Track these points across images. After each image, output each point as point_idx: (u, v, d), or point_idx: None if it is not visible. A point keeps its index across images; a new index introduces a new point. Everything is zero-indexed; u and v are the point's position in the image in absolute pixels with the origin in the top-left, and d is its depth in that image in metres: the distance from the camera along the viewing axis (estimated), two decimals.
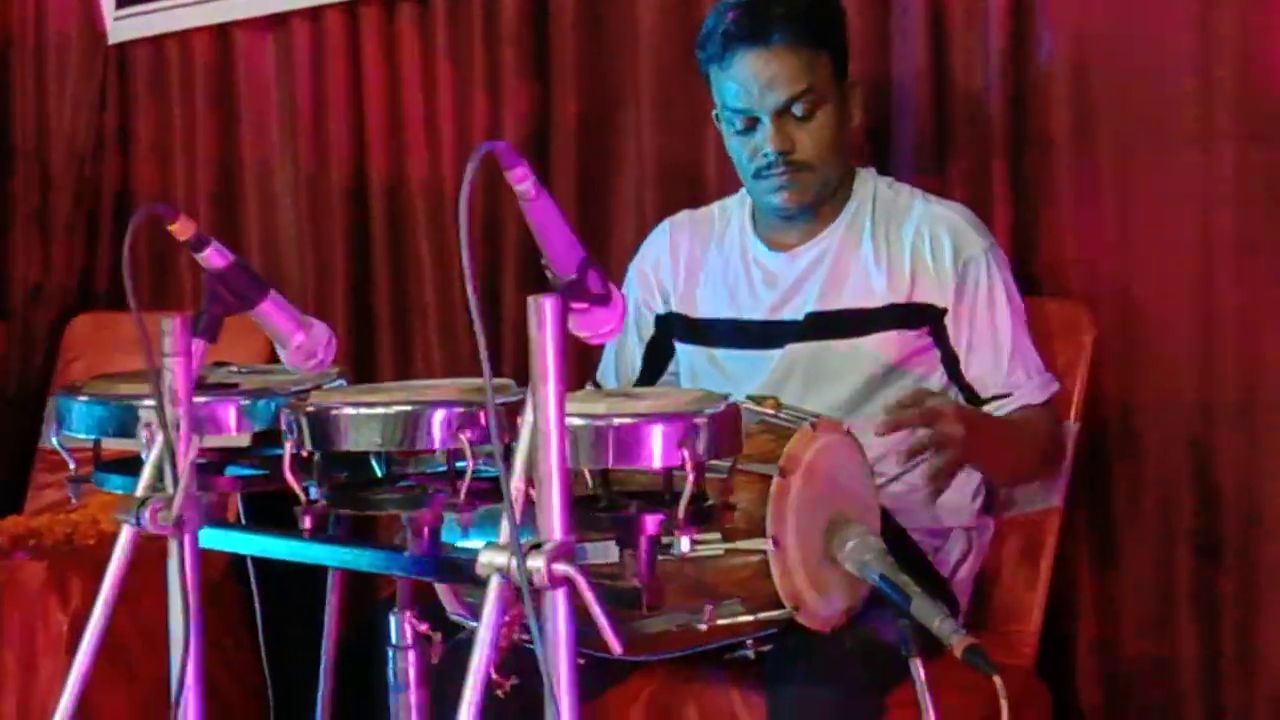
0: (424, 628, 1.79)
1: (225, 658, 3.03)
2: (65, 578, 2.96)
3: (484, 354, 1.40)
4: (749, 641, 1.96)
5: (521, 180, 1.46)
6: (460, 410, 1.63)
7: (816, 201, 2.46)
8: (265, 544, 1.79)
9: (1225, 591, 2.55)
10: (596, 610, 1.41)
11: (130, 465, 1.88)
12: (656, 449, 1.53)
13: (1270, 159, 2.48)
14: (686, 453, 1.52)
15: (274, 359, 2.98)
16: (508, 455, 1.45)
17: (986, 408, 2.40)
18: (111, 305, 3.95)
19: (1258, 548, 2.52)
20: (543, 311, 1.42)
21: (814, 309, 2.46)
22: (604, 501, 1.65)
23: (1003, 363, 2.39)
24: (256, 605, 2.12)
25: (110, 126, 3.96)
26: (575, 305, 1.54)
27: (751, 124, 2.42)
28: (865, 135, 2.56)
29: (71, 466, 1.92)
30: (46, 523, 3.30)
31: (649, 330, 2.62)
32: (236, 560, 2.14)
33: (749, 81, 2.40)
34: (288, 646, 2.40)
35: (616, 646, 1.42)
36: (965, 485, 2.42)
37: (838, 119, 2.42)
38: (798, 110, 2.39)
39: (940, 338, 2.42)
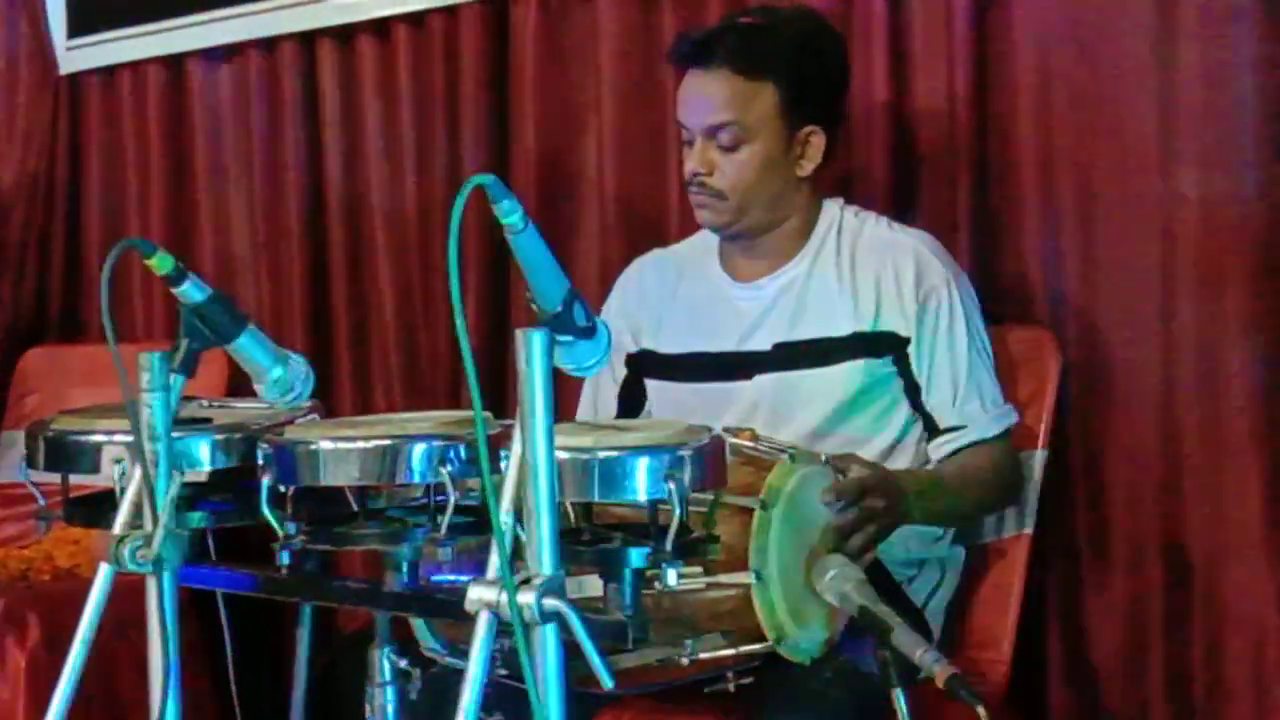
0: (403, 664, 1.77)
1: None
2: (22, 614, 2.93)
3: (475, 388, 1.39)
4: (729, 674, 1.94)
5: (510, 213, 1.46)
6: (441, 444, 1.62)
7: (744, 229, 2.47)
8: (243, 581, 1.77)
9: (1194, 615, 2.56)
10: (588, 645, 1.40)
11: (99, 501, 1.86)
12: (643, 481, 1.53)
13: (1232, 185, 2.50)
14: (673, 485, 1.52)
15: (232, 391, 3.02)
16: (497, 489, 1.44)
17: (940, 439, 2.41)
18: (64, 338, 3.92)
19: (1226, 570, 2.53)
20: (531, 345, 1.41)
21: (781, 339, 2.46)
22: (587, 534, 1.64)
23: (959, 394, 2.40)
24: (227, 640, 2.10)
25: (62, 156, 3.94)
26: (560, 338, 1.53)
27: (691, 139, 2.45)
28: (828, 171, 2.55)
29: (40, 502, 1.89)
30: (0, 558, 3.26)
31: (623, 371, 2.62)
32: (194, 595, 2.12)
33: (685, 99, 2.46)
34: (249, 679, 2.38)
35: (608, 681, 1.42)
36: None
37: (768, 158, 2.41)
38: (723, 139, 2.40)
39: (903, 367, 2.42)
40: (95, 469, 1.81)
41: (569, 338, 1.54)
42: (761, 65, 2.39)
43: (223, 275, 3.67)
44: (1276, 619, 2.49)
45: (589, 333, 1.55)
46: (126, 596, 1.70)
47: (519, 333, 1.42)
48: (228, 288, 3.59)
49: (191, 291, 1.67)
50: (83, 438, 1.82)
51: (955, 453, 2.40)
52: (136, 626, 1.67)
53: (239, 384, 2.73)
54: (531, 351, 1.41)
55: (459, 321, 1.38)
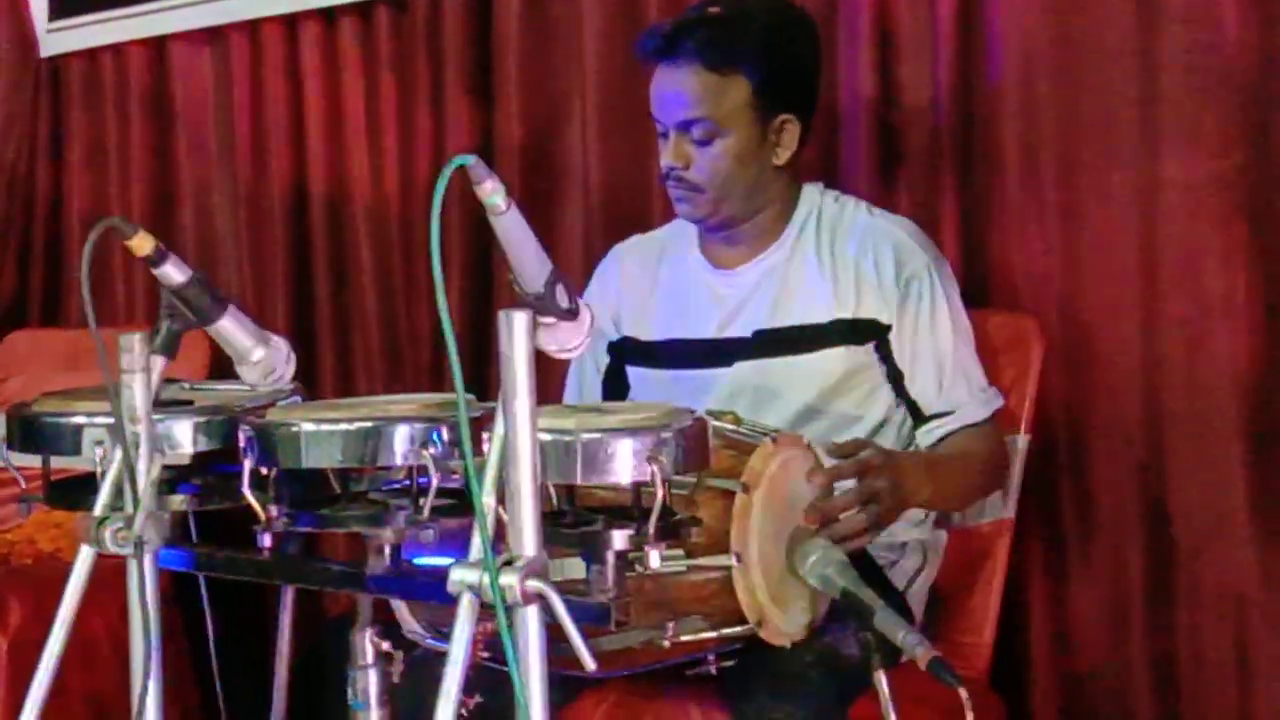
0: (386, 646, 1.77)
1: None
2: (4, 598, 2.92)
3: (456, 370, 1.38)
4: (710, 657, 1.95)
5: (492, 194, 1.45)
6: (424, 426, 1.62)
7: (723, 219, 2.46)
8: (224, 564, 1.76)
9: (1176, 599, 2.58)
10: (570, 627, 1.40)
11: (81, 484, 1.86)
12: (625, 464, 1.52)
13: (1213, 173, 2.51)
14: (655, 468, 1.52)
15: (214, 375, 3.02)
16: (479, 471, 1.43)
17: (928, 425, 2.41)
18: (46, 321, 3.91)
19: (1209, 552, 2.54)
20: (513, 326, 1.41)
21: (761, 326, 2.45)
22: (570, 517, 1.64)
23: (944, 380, 2.40)
24: (209, 624, 2.09)
25: (43, 140, 3.93)
26: (543, 320, 1.53)
27: (665, 132, 2.44)
28: (809, 161, 2.55)
29: (22, 485, 1.89)
30: None
31: (605, 359, 2.62)
32: (176, 578, 2.12)
33: (656, 94, 2.44)
34: (231, 661, 2.37)
35: (590, 663, 1.41)
36: None
37: (743, 150, 2.40)
38: (696, 133, 2.39)
39: (885, 354, 2.42)
40: (76, 451, 1.80)
41: (551, 319, 1.54)
42: (731, 58, 2.37)
43: (205, 258, 3.67)
44: (1259, 599, 2.51)
45: (572, 314, 1.55)
46: (107, 579, 1.70)
47: (501, 314, 1.41)
48: (209, 270, 3.58)
49: (172, 273, 1.67)
50: (63, 419, 1.81)
51: (944, 437, 2.40)
52: (118, 609, 1.67)
53: (220, 366, 2.72)
54: (514, 333, 1.41)
55: (440, 302, 1.38)
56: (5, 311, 3.93)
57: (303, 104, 3.52)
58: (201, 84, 3.70)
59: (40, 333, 3.85)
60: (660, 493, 1.51)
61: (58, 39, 3.88)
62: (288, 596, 1.99)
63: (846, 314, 2.41)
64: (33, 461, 1.90)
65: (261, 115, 3.58)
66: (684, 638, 1.85)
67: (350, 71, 3.45)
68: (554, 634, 1.43)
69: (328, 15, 3.47)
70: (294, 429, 1.64)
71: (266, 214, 3.57)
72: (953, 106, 2.72)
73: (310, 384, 3.41)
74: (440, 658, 1.46)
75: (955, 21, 2.71)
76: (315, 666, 2.16)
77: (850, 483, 2.02)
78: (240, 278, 3.62)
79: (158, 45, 3.75)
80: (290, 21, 3.52)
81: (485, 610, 1.43)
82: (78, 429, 1.79)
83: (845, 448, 2.06)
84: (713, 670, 1.97)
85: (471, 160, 1.42)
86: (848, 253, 2.43)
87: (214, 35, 3.66)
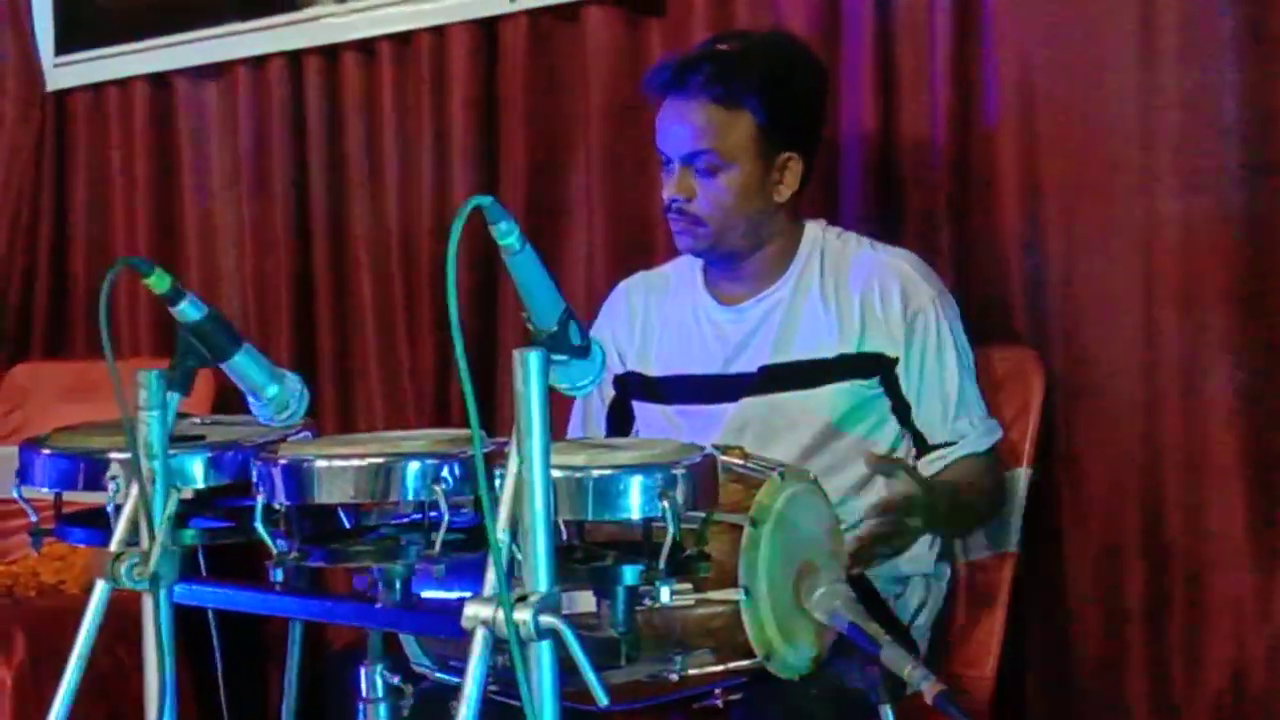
0: (396, 680, 1.78)
1: None
2: (8, 631, 2.93)
3: (472, 407, 1.40)
4: (717, 691, 1.96)
5: (507, 234, 1.47)
6: (436, 462, 1.63)
7: (723, 253, 2.49)
8: (237, 598, 1.78)
9: (1174, 632, 2.59)
10: (583, 662, 1.41)
11: (93, 518, 1.87)
12: (636, 500, 1.54)
13: (1211, 206, 2.53)
14: (667, 503, 1.53)
15: (219, 409, 3.03)
16: (494, 506, 1.45)
17: (932, 455, 2.43)
18: (49, 354, 3.92)
19: (1206, 588, 2.55)
20: (528, 364, 1.43)
21: (767, 362, 2.47)
22: (580, 552, 1.65)
23: (949, 411, 2.42)
24: (218, 657, 2.10)
25: (47, 173, 3.94)
26: (555, 357, 1.54)
27: (670, 164, 2.46)
28: (810, 195, 2.57)
29: (33, 519, 1.90)
30: None
31: (611, 392, 2.64)
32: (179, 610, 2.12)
33: (663, 127, 2.47)
34: (233, 695, 2.38)
35: (604, 698, 1.42)
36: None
37: (746, 185, 2.43)
38: (701, 166, 2.42)
39: (891, 387, 2.44)
40: (91, 486, 1.82)
41: (564, 357, 1.56)
42: (739, 94, 2.40)
43: (208, 291, 3.67)
44: (1258, 632, 2.52)
45: (584, 352, 1.57)
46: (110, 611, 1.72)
47: (516, 353, 1.43)
48: (213, 305, 3.59)
49: (188, 310, 1.68)
50: (78, 454, 1.83)
51: (946, 468, 2.42)
52: (124, 642, 1.68)
53: (226, 401, 2.74)
54: (529, 371, 1.43)
55: (457, 340, 1.39)
56: (10, 343, 3.94)
57: (306, 139, 3.54)
58: (206, 119, 3.71)
59: (44, 365, 3.86)
60: (672, 529, 1.53)
61: (64, 73, 3.90)
62: (297, 631, 2.00)
63: (850, 348, 2.43)
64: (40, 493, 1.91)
65: (266, 150, 3.59)
66: (691, 671, 1.86)
67: (353, 106, 3.47)
68: (562, 667, 1.44)
69: (330, 52, 3.48)
70: (306, 465, 1.66)
71: (270, 248, 3.59)
72: (952, 142, 2.75)
73: (312, 418, 3.44)
74: (448, 691, 1.47)
75: (953, 58, 2.73)
76: (318, 699, 2.17)
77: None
78: (243, 311, 3.63)
79: (163, 80, 3.77)
80: (294, 57, 3.54)
81: (497, 645, 1.44)
82: (93, 464, 1.80)
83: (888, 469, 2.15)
84: (719, 704, 1.97)
85: (488, 201, 1.44)
86: (853, 287, 2.45)
87: (219, 71, 3.68)
